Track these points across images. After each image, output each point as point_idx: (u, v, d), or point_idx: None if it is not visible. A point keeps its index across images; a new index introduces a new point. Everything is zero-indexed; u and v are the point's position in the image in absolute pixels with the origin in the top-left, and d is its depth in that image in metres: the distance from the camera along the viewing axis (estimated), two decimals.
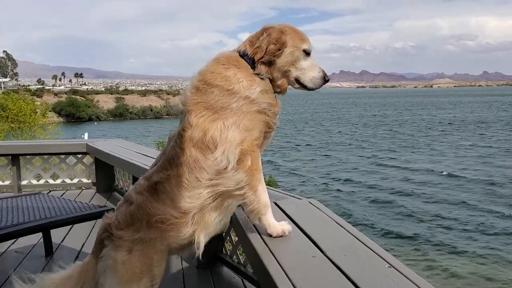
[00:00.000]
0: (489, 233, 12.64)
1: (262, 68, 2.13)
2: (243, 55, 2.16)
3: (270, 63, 2.13)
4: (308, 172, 21.82)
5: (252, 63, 2.14)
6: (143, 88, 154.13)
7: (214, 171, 2.00)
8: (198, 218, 2.02)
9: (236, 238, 3.33)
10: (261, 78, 2.12)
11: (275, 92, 2.19)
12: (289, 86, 2.25)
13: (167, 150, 2.14)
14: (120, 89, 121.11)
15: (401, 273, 1.66)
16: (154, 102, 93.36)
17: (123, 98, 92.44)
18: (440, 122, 43.54)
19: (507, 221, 13.78)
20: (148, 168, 2.24)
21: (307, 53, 2.18)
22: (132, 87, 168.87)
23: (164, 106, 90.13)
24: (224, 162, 1.99)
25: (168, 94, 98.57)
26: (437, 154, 24.96)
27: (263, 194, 2.10)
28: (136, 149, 5.69)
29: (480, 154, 25.04)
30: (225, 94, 2.04)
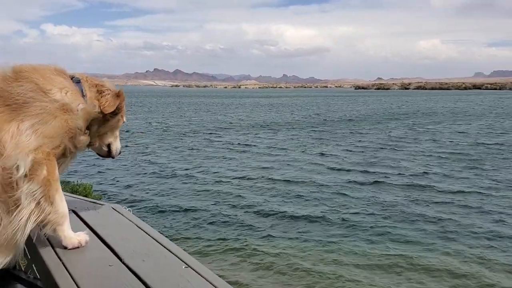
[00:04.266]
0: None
1: (96, 107, 2.09)
2: (75, 81, 2.07)
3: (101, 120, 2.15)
4: (124, 175, 21.11)
5: (81, 92, 2.05)
6: None
7: None
8: None
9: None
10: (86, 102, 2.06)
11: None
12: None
13: None
14: None
15: (197, 272, 1.75)
16: None
17: None
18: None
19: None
20: None
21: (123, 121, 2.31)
22: None
23: None
24: (13, 173, 1.76)
25: None
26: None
27: (61, 204, 1.95)
28: None
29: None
30: (36, 91, 1.85)
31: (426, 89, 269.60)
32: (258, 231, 12.90)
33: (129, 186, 18.63)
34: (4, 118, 1.78)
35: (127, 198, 16.77)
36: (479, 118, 49.62)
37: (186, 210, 15.03)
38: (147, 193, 17.53)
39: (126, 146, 28.32)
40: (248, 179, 19.27)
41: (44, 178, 1.83)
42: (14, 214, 1.81)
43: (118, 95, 2.17)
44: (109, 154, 2.32)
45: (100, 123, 2.17)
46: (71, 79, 2.07)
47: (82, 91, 2.06)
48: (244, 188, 17.77)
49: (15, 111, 1.80)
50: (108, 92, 2.13)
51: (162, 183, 19.20)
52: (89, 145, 2.23)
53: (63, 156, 1.98)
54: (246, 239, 12.16)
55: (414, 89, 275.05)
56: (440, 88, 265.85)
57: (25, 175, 1.78)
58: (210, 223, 13.72)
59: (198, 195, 17.06)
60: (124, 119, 2.31)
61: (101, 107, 2.11)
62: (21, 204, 1.81)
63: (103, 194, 15.84)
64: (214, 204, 15.73)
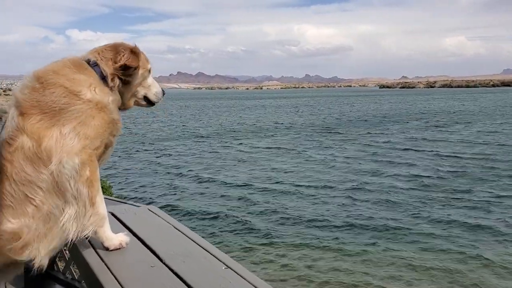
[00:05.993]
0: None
1: (116, 82, 2.10)
2: (93, 64, 2.06)
3: (125, 82, 2.14)
4: (147, 176, 21.36)
5: (102, 75, 2.05)
6: None
7: (49, 186, 1.81)
8: (32, 238, 1.82)
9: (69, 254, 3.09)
10: (111, 90, 2.08)
11: (119, 109, 2.16)
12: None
13: None
14: None
15: (237, 273, 1.76)
16: None
17: None
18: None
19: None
20: None
21: (149, 71, 2.31)
22: None
23: None
24: (61, 175, 1.81)
25: None
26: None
27: (101, 205, 1.98)
28: None
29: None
30: (69, 96, 1.88)
31: (452, 87, 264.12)
32: (283, 235, 12.87)
33: (144, 187, 18.84)
34: (45, 125, 1.82)
35: (143, 198, 16.97)
36: (501, 118, 48.16)
37: (204, 212, 15.11)
38: (164, 194, 17.67)
39: (145, 150, 28.97)
40: (262, 183, 19.16)
41: (87, 179, 1.87)
42: (62, 216, 1.86)
43: (133, 51, 2.14)
44: (149, 104, 2.34)
45: (125, 89, 2.17)
46: (88, 64, 2.06)
47: (101, 72, 2.06)
48: (261, 191, 17.66)
49: (54, 117, 1.84)
50: (124, 52, 2.11)
51: (178, 185, 19.25)
52: (126, 108, 2.25)
53: (103, 152, 2.04)
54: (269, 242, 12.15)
55: (440, 87, 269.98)
56: (467, 86, 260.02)
57: (73, 178, 1.83)
58: (230, 225, 13.72)
59: (214, 197, 17.04)
60: (149, 66, 2.28)
61: (125, 64, 2.09)
62: (67, 206, 1.86)
63: (120, 195, 16.02)
64: (232, 207, 15.69)
